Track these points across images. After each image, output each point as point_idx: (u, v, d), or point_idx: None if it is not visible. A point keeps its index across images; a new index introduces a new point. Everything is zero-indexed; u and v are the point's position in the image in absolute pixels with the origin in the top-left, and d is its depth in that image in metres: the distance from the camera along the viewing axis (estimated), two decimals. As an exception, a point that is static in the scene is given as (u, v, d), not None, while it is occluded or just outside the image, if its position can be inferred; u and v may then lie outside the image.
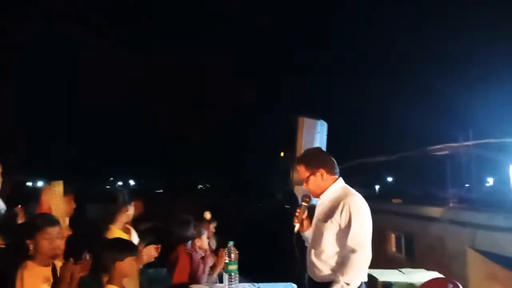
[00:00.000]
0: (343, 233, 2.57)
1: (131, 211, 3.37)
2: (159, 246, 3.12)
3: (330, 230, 2.62)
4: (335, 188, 2.75)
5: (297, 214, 2.82)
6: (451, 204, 5.96)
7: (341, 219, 2.59)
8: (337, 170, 2.82)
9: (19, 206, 2.81)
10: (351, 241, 2.54)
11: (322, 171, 2.75)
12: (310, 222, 2.86)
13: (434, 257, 5.62)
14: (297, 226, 2.80)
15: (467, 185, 7.30)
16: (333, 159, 2.86)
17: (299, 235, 2.84)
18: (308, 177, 2.77)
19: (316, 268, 2.67)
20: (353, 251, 2.52)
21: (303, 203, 2.85)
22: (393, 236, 6.94)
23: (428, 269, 4.39)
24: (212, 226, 4.36)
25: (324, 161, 2.82)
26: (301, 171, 2.80)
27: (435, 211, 5.90)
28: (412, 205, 6.87)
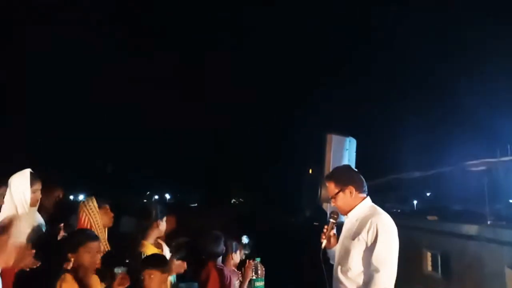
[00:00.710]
0: (369, 251, 2.58)
1: (163, 226, 3.47)
2: (186, 262, 3.21)
3: (357, 248, 2.63)
4: (363, 206, 2.76)
5: (324, 230, 2.84)
6: (489, 222, 5.76)
7: (367, 238, 2.60)
8: (366, 188, 2.84)
9: (61, 224, 2.96)
10: (375, 260, 2.53)
11: (351, 188, 2.77)
12: (338, 239, 2.88)
13: (472, 277, 5.43)
14: (324, 242, 2.82)
15: (511, 200, 7.04)
16: (362, 177, 2.88)
17: (325, 252, 2.86)
18: (337, 194, 2.79)
19: (342, 285, 2.68)
20: (376, 270, 2.52)
21: (331, 220, 2.88)
22: (429, 255, 6.75)
23: (464, 289, 4.26)
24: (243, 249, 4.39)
25: (353, 179, 2.85)
26: (330, 188, 2.84)
27: (472, 229, 5.71)
28: (448, 223, 6.68)
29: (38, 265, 2.63)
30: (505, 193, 6.89)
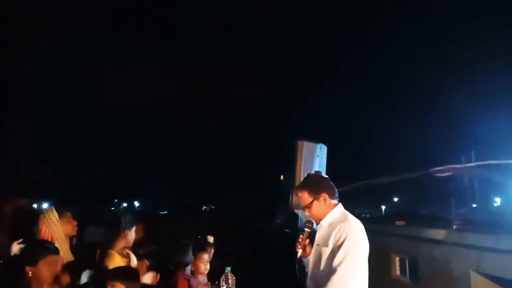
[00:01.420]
0: (333, 255, 2.58)
1: (131, 236, 3.37)
2: (158, 274, 3.13)
3: (327, 254, 2.63)
4: (334, 213, 2.77)
5: (300, 239, 2.83)
6: (454, 226, 5.90)
7: (334, 243, 2.61)
8: (337, 195, 2.85)
9: (19, 240, 2.82)
10: (334, 262, 2.55)
11: (324, 195, 2.78)
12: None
13: (439, 280, 5.53)
14: (299, 252, 2.81)
15: (474, 205, 7.25)
16: (332, 184, 2.88)
17: (301, 260, 2.84)
18: (311, 203, 2.79)
19: None
20: (333, 271, 2.52)
21: (306, 229, 2.86)
22: (397, 259, 6.86)
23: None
24: (212, 251, 4.35)
25: (326, 186, 2.85)
26: (303, 197, 2.82)
27: (439, 234, 5.83)
28: (416, 227, 6.81)
29: None
30: (470, 198, 7.09)
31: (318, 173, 4.05)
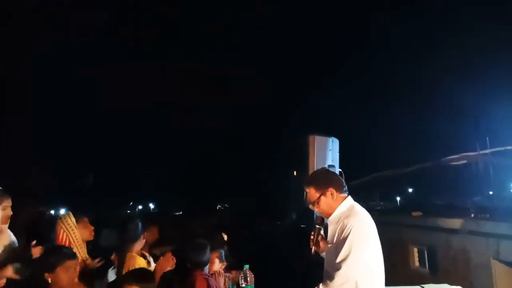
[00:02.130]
0: (338, 249, 2.55)
1: (143, 240, 3.38)
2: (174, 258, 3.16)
3: (335, 253, 2.59)
4: (342, 207, 2.73)
5: (311, 237, 2.81)
6: (472, 215, 5.83)
7: (340, 238, 2.58)
8: (346, 188, 2.80)
9: (33, 242, 2.84)
10: (339, 257, 2.52)
11: (331, 190, 2.73)
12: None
13: (458, 270, 5.48)
14: (313, 249, 2.79)
15: (490, 192, 7.15)
16: (340, 177, 2.85)
17: (318, 255, 2.82)
18: (318, 198, 2.75)
19: None
20: (337, 266, 2.50)
21: (317, 226, 2.82)
22: (415, 250, 6.80)
23: (452, 283, 4.28)
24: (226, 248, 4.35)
25: (332, 180, 2.82)
26: (311, 193, 2.78)
27: (456, 223, 5.77)
28: (432, 217, 6.74)
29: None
30: (486, 185, 6.99)
31: (331, 167, 4.04)
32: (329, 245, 2.69)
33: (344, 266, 2.49)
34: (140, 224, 3.37)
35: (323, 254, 2.84)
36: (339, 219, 2.68)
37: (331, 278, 2.50)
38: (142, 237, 3.35)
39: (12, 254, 2.69)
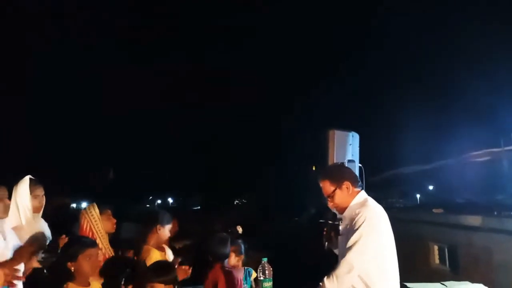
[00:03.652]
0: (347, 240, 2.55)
1: (165, 233, 3.39)
2: (190, 268, 3.16)
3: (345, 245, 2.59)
4: (355, 202, 2.72)
5: (324, 232, 2.81)
6: (495, 212, 5.71)
7: (351, 229, 2.57)
8: (360, 182, 2.79)
9: (64, 236, 2.91)
10: (347, 246, 2.52)
11: (347, 183, 2.72)
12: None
13: (480, 268, 5.39)
14: (326, 244, 2.79)
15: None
16: (354, 172, 2.83)
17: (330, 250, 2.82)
18: (333, 192, 2.73)
19: None
20: (344, 255, 2.51)
21: (330, 221, 2.82)
22: (436, 248, 6.71)
23: (474, 281, 4.21)
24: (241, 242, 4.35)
25: (347, 174, 2.81)
26: (325, 187, 2.76)
27: (478, 220, 5.68)
28: (454, 215, 6.64)
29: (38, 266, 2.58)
30: (510, 182, 6.84)
31: (351, 162, 4.00)
32: (341, 239, 2.69)
33: (350, 254, 2.48)
34: (163, 217, 3.38)
35: (337, 250, 2.84)
36: (352, 213, 2.67)
37: (337, 267, 2.50)
38: (158, 229, 3.35)
39: (38, 244, 2.76)
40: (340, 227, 2.77)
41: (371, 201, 2.71)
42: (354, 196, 2.72)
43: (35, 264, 2.55)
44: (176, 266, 3.18)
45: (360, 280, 2.52)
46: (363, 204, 2.67)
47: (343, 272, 2.48)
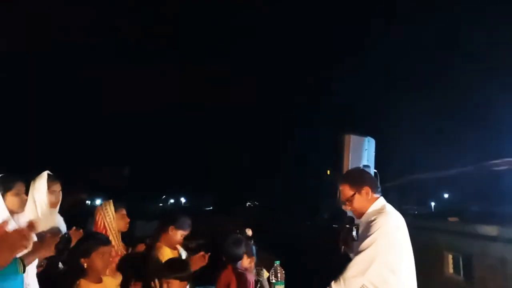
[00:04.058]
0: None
1: (177, 235, 3.38)
2: (207, 254, 3.17)
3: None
4: (374, 207, 2.69)
5: (341, 236, 2.78)
6: (513, 223, 5.59)
7: (366, 235, 2.55)
8: (379, 189, 2.76)
9: (74, 228, 2.94)
10: (360, 248, 2.49)
11: (367, 188, 2.69)
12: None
13: (496, 279, 5.28)
14: (342, 249, 2.77)
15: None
16: (374, 177, 2.81)
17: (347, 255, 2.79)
18: (352, 196, 2.70)
19: None
20: (356, 256, 2.49)
21: (347, 226, 2.78)
22: (450, 257, 6.61)
23: (489, 292, 4.14)
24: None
25: (368, 179, 2.79)
26: (345, 191, 2.74)
27: (495, 230, 5.57)
28: (470, 224, 6.52)
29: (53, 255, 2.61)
30: (529, 193, 6.70)
31: (366, 167, 3.97)
32: (357, 245, 2.65)
33: (359, 258, 2.46)
34: (181, 220, 3.38)
35: (351, 256, 2.82)
36: (369, 219, 2.64)
37: (345, 270, 2.48)
38: (171, 229, 3.35)
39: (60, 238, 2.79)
40: (355, 232, 2.76)
41: (389, 208, 2.68)
42: (373, 202, 2.70)
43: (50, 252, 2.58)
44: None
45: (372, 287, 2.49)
46: (380, 210, 2.64)
47: (350, 275, 2.45)
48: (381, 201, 2.71)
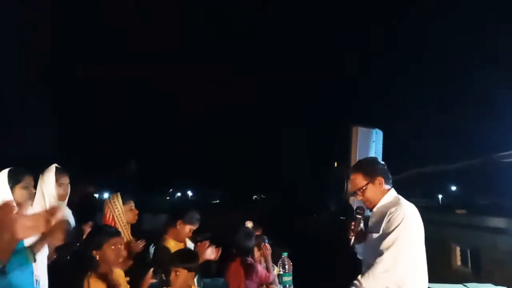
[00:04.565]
0: (383, 239, 2.49)
1: (184, 229, 3.39)
2: (219, 249, 3.19)
3: (379, 241, 2.54)
4: (387, 199, 2.67)
5: (352, 227, 2.73)
6: (521, 215, 5.57)
7: (385, 228, 2.52)
8: (391, 181, 2.75)
9: (89, 222, 2.96)
10: (383, 246, 2.46)
11: (380, 179, 2.68)
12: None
13: (504, 272, 5.26)
14: (352, 239, 2.71)
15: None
16: (387, 169, 2.79)
17: (353, 247, 2.76)
18: (365, 186, 2.68)
19: None
20: (380, 253, 2.45)
21: (357, 216, 2.75)
22: (458, 249, 6.60)
23: (497, 284, 4.13)
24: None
25: (381, 169, 2.76)
26: (357, 180, 2.72)
27: (503, 223, 5.54)
28: (478, 216, 6.50)
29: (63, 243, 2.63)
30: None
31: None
32: (373, 236, 2.63)
33: (388, 254, 2.44)
34: (190, 215, 3.38)
35: (359, 247, 2.80)
36: (384, 210, 2.62)
37: (373, 266, 2.46)
38: (179, 223, 3.36)
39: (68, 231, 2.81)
40: (369, 223, 2.74)
41: (404, 200, 2.66)
42: (385, 193, 2.69)
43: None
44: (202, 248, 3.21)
45: (395, 276, 2.47)
46: (396, 202, 2.63)
47: (379, 271, 2.44)
48: (393, 193, 2.70)
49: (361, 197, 2.74)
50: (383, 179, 2.69)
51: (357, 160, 3.73)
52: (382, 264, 2.44)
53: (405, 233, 2.48)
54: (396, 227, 2.47)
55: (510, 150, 6.08)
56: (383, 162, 2.87)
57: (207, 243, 3.33)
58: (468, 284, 4.07)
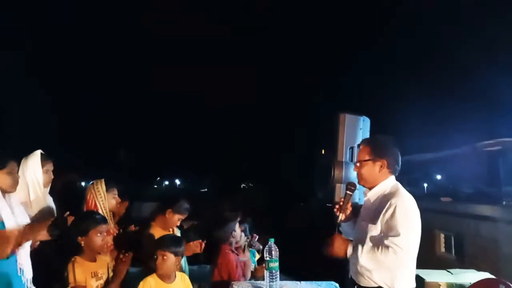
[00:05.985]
0: (388, 229, 2.39)
1: (173, 219, 3.36)
2: (203, 242, 3.19)
3: (374, 233, 2.45)
4: (386, 184, 2.55)
5: (340, 203, 2.60)
6: (504, 203, 5.65)
7: (384, 221, 2.40)
8: (396, 169, 2.60)
9: (68, 212, 2.91)
10: (390, 231, 2.35)
11: (384, 162, 2.54)
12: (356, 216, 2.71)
13: (487, 258, 5.36)
14: (340, 216, 2.58)
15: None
16: (399, 156, 2.62)
17: (339, 225, 2.60)
18: (366, 161, 2.56)
19: (358, 265, 2.54)
20: (390, 249, 2.33)
21: (348, 192, 2.62)
22: (442, 236, 6.70)
23: (480, 270, 4.21)
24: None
25: (391, 153, 2.59)
26: (363, 152, 2.60)
27: (487, 210, 5.63)
28: (462, 204, 6.59)
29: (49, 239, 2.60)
30: (521, 173, 6.75)
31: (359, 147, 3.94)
32: (362, 223, 2.55)
33: (398, 241, 2.32)
34: (179, 205, 3.35)
35: (345, 226, 2.69)
36: (380, 198, 2.53)
37: (384, 248, 2.34)
38: (168, 212, 3.33)
39: (47, 217, 2.77)
40: (362, 208, 2.63)
41: (403, 190, 2.55)
42: (384, 178, 2.56)
43: (43, 237, 2.56)
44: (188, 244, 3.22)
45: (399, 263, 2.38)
46: (395, 191, 2.51)
47: (395, 267, 2.36)
48: (392, 180, 2.58)
49: (357, 169, 2.63)
50: (386, 163, 2.55)
51: (343, 147, 3.71)
52: (393, 257, 2.33)
53: (409, 228, 2.39)
54: (402, 220, 2.37)
55: (495, 139, 6.16)
56: (397, 148, 2.71)
57: (199, 242, 3.31)
58: (451, 270, 4.14)
